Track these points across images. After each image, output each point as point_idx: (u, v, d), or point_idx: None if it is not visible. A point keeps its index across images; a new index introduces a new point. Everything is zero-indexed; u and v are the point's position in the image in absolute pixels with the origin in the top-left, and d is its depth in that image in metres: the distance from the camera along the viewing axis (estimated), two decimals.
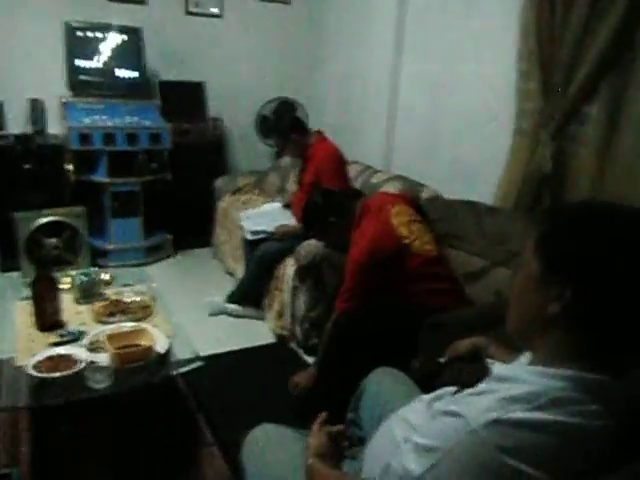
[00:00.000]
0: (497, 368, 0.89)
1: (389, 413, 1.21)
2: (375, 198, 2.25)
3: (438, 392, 1.08)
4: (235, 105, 4.17)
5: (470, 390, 0.89)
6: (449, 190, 2.71)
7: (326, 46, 4.21)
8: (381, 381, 1.43)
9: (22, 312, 1.91)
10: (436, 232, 2.22)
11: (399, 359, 1.72)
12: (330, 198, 2.19)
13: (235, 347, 2.62)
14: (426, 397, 1.10)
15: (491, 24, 2.65)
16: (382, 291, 1.99)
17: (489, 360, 0.96)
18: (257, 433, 1.28)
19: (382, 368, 1.49)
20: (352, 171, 3.15)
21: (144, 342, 1.66)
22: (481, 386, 0.88)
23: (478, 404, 0.78)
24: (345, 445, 1.21)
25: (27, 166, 3.24)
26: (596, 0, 2.05)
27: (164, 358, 1.66)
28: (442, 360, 1.62)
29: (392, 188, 2.86)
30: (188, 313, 2.68)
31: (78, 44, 3.40)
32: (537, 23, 2.24)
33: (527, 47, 2.32)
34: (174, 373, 1.72)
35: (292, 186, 3.52)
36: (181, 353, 1.74)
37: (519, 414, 0.73)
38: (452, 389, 1.05)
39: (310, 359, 2.52)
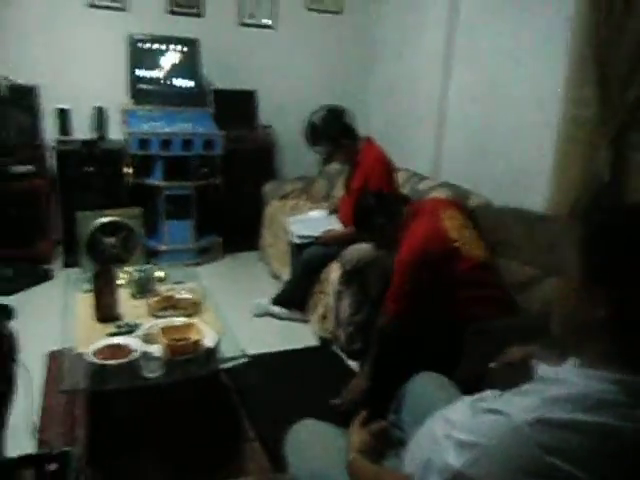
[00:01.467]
0: (542, 369, 0.89)
1: (429, 417, 1.22)
2: (427, 201, 2.27)
3: (481, 394, 1.09)
4: (285, 113, 4.26)
5: (514, 390, 0.89)
6: (499, 198, 2.69)
7: (376, 55, 4.26)
8: (424, 385, 1.43)
9: (83, 304, 2.02)
10: (486, 240, 2.21)
11: (442, 365, 1.73)
12: (381, 200, 2.21)
13: (279, 348, 2.67)
14: (468, 398, 1.10)
15: (543, 31, 2.63)
16: (430, 294, 1.98)
17: (534, 361, 0.96)
18: (300, 427, 1.32)
19: (425, 372, 1.49)
20: (400, 178, 3.15)
21: (194, 336, 1.73)
22: (526, 386, 0.88)
23: (522, 403, 0.79)
24: (386, 443, 1.22)
25: (90, 169, 3.43)
26: None
27: (212, 352, 1.72)
28: (493, 365, 1.62)
29: (440, 195, 2.86)
30: (235, 313, 2.75)
31: (140, 55, 3.59)
32: (593, 28, 2.20)
33: (581, 53, 2.29)
34: (221, 367, 1.78)
35: (339, 192, 3.56)
36: (228, 350, 1.80)
37: (563, 414, 0.74)
38: (497, 392, 1.05)
39: (352, 363, 2.54)
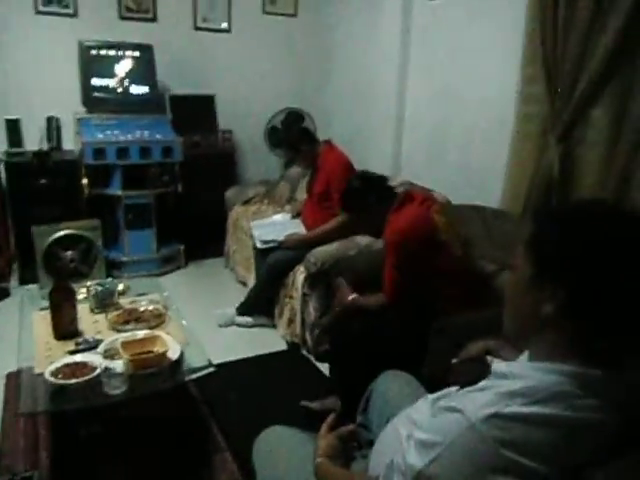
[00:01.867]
0: (497, 365, 0.91)
1: (396, 415, 1.24)
2: (418, 191, 2.25)
3: (443, 391, 1.11)
4: (244, 117, 4.24)
5: (471, 387, 0.91)
6: (457, 195, 2.74)
7: (333, 57, 4.28)
8: (389, 384, 1.45)
9: (40, 322, 1.96)
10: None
11: (409, 362, 1.75)
12: (367, 181, 2.17)
13: (246, 355, 2.65)
14: (431, 396, 1.12)
15: (495, 30, 2.70)
16: (412, 284, 1.99)
17: (489, 358, 0.98)
18: (267, 435, 1.31)
19: (391, 371, 1.51)
20: None
21: (157, 349, 1.70)
22: (481, 383, 0.90)
23: (478, 399, 0.81)
24: (354, 445, 1.23)
25: (43, 181, 3.32)
26: (599, 2, 2.08)
27: (177, 365, 1.69)
28: (454, 361, 1.65)
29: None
30: (200, 322, 2.71)
31: (92, 62, 3.49)
32: (542, 27, 2.27)
33: (532, 51, 2.36)
34: (187, 379, 1.75)
35: (302, 195, 3.56)
36: (194, 360, 1.77)
37: (517, 408, 0.75)
38: (456, 388, 1.07)
39: (321, 365, 2.55)
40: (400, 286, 2.00)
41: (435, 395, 1.11)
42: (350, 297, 2.10)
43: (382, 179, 2.19)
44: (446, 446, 0.78)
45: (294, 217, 3.23)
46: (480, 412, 0.77)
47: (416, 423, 1.05)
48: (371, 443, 1.36)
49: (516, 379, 0.81)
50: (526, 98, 2.42)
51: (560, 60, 2.24)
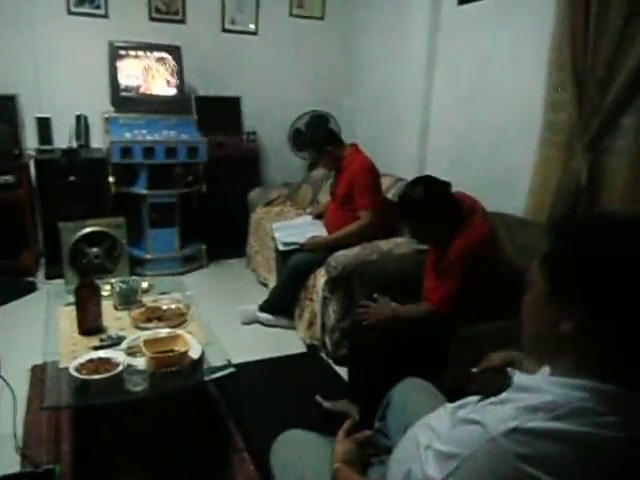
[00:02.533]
0: (518, 377, 0.90)
1: (414, 424, 1.23)
2: (475, 199, 2.15)
3: (463, 400, 1.10)
4: (269, 119, 4.27)
5: (491, 399, 0.90)
6: (482, 202, 2.71)
7: (359, 60, 4.28)
8: (408, 392, 1.44)
9: (66, 317, 2.00)
10: None
11: (428, 369, 1.74)
12: (430, 190, 1.99)
13: (266, 355, 2.67)
14: (450, 405, 1.11)
15: (523, 36, 2.67)
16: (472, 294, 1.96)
17: (510, 370, 0.97)
18: (285, 438, 1.31)
19: (410, 378, 1.50)
20: (384, 183, 3.17)
21: (179, 348, 1.72)
22: (502, 395, 0.89)
23: (498, 413, 0.80)
24: (371, 452, 1.23)
25: (72, 178, 3.39)
26: (631, 10, 2.04)
27: (197, 364, 1.71)
28: (475, 370, 1.63)
29: None
30: (221, 321, 2.74)
31: (121, 62, 3.56)
32: (571, 34, 2.24)
33: (560, 58, 2.32)
34: (207, 379, 1.77)
35: (324, 198, 3.57)
36: (214, 360, 1.79)
37: (538, 423, 0.74)
38: (477, 398, 1.06)
39: (339, 369, 2.55)
40: (457, 297, 1.96)
41: (455, 404, 1.10)
42: (391, 307, 2.03)
43: (446, 187, 2.02)
44: (465, 458, 0.78)
45: (315, 219, 3.23)
46: (500, 426, 0.76)
47: (435, 431, 1.04)
48: (388, 450, 1.35)
49: (537, 393, 0.80)
50: (553, 105, 2.39)
51: (590, 67, 2.21)
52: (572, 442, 0.73)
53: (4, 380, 1.63)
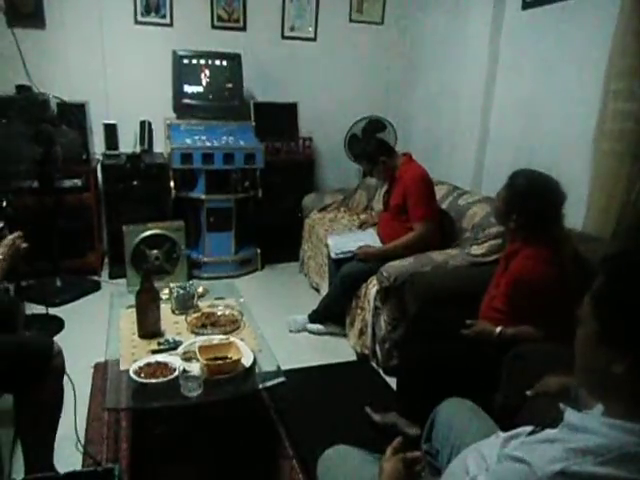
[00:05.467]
0: (569, 415, 0.87)
1: (462, 443, 1.21)
2: None
3: (516, 430, 1.07)
4: (326, 124, 4.30)
5: (540, 436, 0.88)
6: None
7: (418, 66, 4.22)
8: (453, 412, 1.41)
9: (127, 320, 2.09)
10: None
11: (478, 387, 1.70)
12: (534, 183, 1.97)
13: (317, 362, 2.69)
14: (502, 434, 1.09)
15: (586, 43, 2.57)
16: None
17: (562, 405, 0.94)
18: (331, 453, 1.32)
19: (453, 398, 1.47)
20: (440, 192, 3.13)
21: (232, 355, 1.77)
22: (551, 433, 0.87)
23: (546, 452, 0.78)
24: (420, 472, 1.21)
25: (135, 183, 3.54)
26: None
27: (250, 371, 1.75)
28: (529, 393, 1.58)
29: (481, 210, 2.82)
30: (273, 326, 2.80)
31: (184, 70, 3.68)
32: (638, 41, 2.12)
33: (624, 65, 2.21)
34: (259, 387, 1.80)
35: (378, 205, 3.55)
36: (265, 366, 1.82)
37: (586, 467, 0.72)
38: (529, 428, 1.04)
39: (389, 379, 2.53)
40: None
41: (508, 434, 1.08)
42: (497, 330, 1.95)
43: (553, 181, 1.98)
44: None
45: (366, 227, 3.22)
46: (547, 467, 0.74)
47: (485, 460, 1.03)
48: (437, 471, 1.34)
49: (588, 434, 0.78)
50: (615, 115, 2.27)
51: None
52: None
53: (69, 378, 1.72)
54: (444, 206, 3.05)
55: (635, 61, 2.15)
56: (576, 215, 2.39)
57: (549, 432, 0.86)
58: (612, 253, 0.85)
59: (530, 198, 1.93)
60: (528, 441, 0.91)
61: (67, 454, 1.83)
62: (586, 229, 2.37)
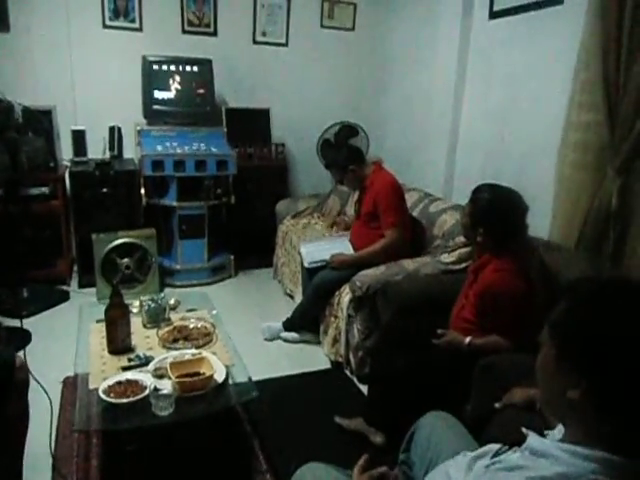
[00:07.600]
0: (531, 439, 0.89)
1: (439, 458, 1.23)
2: None
3: (482, 449, 1.09)
4: (298, 130, 4.30)
5: (502, 463, 0.90)
6: None
7: (389, 72, 4.26)
8: (433, 426, 1.43)
9: (96, 334, 2.06)
10: None
11: (452, 398, 1.73)
12: (496, 192, 2.03)
13: (291, 371, 2.69)
14: (470, 454, 1.11)
15: (553, 53, 2.63)
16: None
17: (524, 430, 0.97)
18: (304, 472, 1.33)
19: (435, 412, 1.49)
20: (410, 199, 3.16)
21: (204, 370, 1.76)
22: (513, 458, 0.89)
23: None
24: None
25: (104, 190, 3.48)
26: None
27: (222, 387, 1.74)
28: (497, 405, 1.62)
29: (450, 218, 2.86)
30: (248, 333, 2.79)
31: (154, 76, 3.63)
32: (602, 53, 2.18)
33: (589, 78, 2.27)
34: (232, 403, 1.79)
35: (351, 210, 3.57)
36: (239, 379, 1.82)
37: None
38: (495, 447, 1.06)
39: (363, 387, 2.55)
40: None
41: (474, 454, 1.09)
42: (466, 340, 1.98)
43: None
44: None
45: (335, 227, 3.24)
46: None
47: None
48: None
49: (548, 460, 0.80)
50: (579, 126, 2.33)
51: (623, 86, 2.15)
52: None
53: (45, 392, 1.69)
54: (416, 213, 3.08)
55: (599, 74, 2.21)
56: (542, 224, 2.45)
57: (511, 457, 0.88)
58: (573, 281, 0.88)
59: (493, 212, 1.98)
60: (491, 469, 0.93)
61: (44, 470, 1.80)
62: (552, 237, 2.42)
